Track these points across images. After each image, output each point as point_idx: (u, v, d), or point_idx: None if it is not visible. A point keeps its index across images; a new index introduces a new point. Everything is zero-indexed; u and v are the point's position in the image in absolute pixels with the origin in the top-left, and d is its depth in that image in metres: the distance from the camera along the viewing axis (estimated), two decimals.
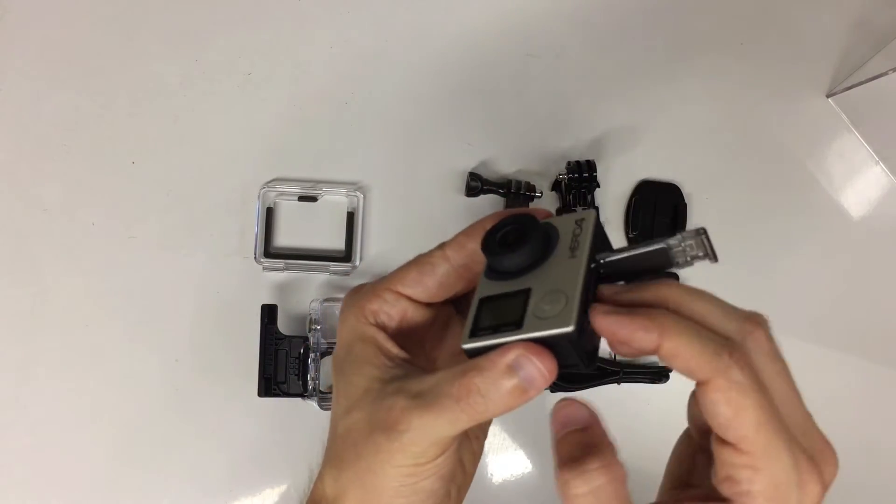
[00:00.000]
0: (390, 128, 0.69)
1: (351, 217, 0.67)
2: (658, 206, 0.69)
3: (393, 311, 0.33)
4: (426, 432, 0.28)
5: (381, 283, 0.33)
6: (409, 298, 0.33)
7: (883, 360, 0.69)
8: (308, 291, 0.67)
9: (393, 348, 0.32)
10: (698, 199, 0.70)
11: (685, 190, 0.69)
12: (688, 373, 0.26)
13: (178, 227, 0.67)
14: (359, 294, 0.34)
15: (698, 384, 0.26)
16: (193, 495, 0.64)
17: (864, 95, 0.69)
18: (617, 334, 0.27)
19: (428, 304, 0.34)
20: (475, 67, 0.71)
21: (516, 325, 0.28)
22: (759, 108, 0.71)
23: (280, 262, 0.66)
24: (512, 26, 0.71)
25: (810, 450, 0.27)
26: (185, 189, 0.67)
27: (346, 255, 0.67)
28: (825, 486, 0.27)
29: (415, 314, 0.34)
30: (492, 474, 0.66)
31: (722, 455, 0.26)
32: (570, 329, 0.27)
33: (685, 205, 0.69)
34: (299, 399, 0.63)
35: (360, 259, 0.67)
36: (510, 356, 0.27)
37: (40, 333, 0.65)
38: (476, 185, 0.66)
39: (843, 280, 0.70)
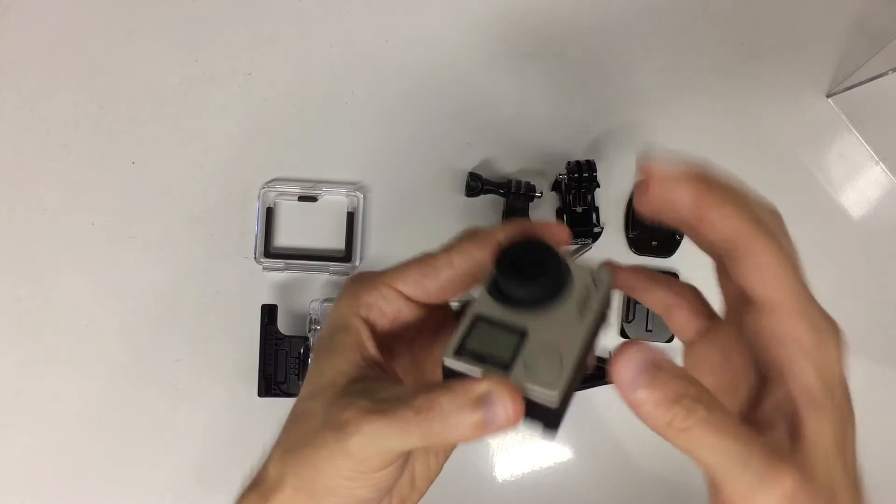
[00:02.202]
0: (390, 128, 0.69)
1: (351, 217, 0.67)
2: None
3: (388, 308, 0.33)
4: (373, 440, 0.28)
5: (381, 277, 0.33)
6: (407, 298, 0.33)
7: (883, 360, 0.69)
8: (308, 291, 0.67)
9: (371, 349, 0.32)
10: None
11: None
12: (726, 230, 0.27)
13: (178, 227, 0.67)
14: (359, 283, 0.33)
15: (734, 247, 0.27)
16: (193, 495, 0.64)
17: (864, 95, 0.69)
18: (661, 196, 0.27)
19: (424, 305, 0.33)
20: (475, 67, 0.71)
21: (503, 367, 0.27)
22: (759, 108, 0.71)
23: (280, 262, 0.66)
24: (512, 26, 0.71)
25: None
26: (185, 189, 0.67)
27: (346, 255, 0.67)
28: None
29: (409, 313, 0.33)
30: (493, 474, 0.66)
31: (765, 322, 0.27)
32: (554, 404, 0.27)
33: None
34: None
35: (360, 259, 0.67)
36: (484, 387, 0.26)
37: (40, 333, 0.65)
38: (476, 185, 0.66)
39: (842, 280, 0.70)
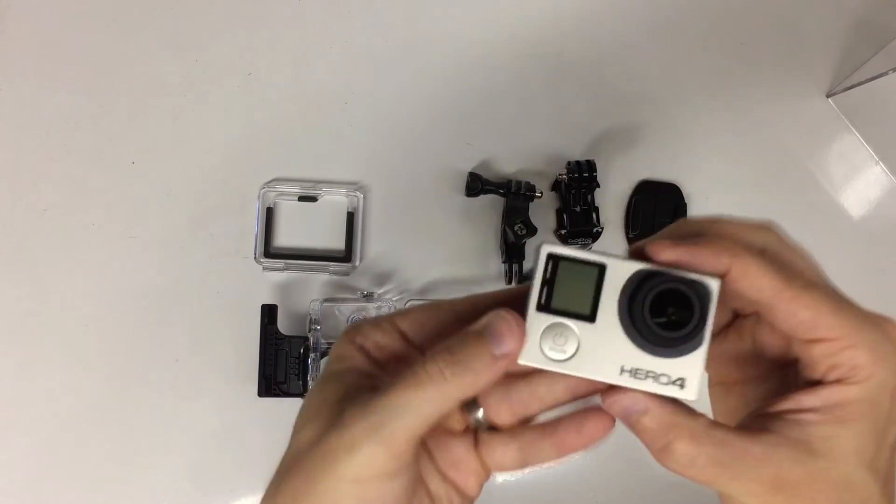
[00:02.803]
0: (390, 128, 0.69)
1: (351, 217, 0.67)
2: (658, 206, 0.69)
3: (384, 340, 0.31)
4: (382, 418, 0.26)
5: (388, 315, 0.32)
6: (405, 337, 0.31)
7: None
8: (308, 291, 0.67)
9: (367, 365, 0.30)
10: (698, 199, 0.70)
11: (685, 190, 0.69)
12: (756, 292, 0.27)
13: (178, 227, 0.67)
14: (360, 322, 0.32)
15: (766, 306, 0.27)
16: (193, 495, 0.64)
17: (864, 95, 0.69)
18: (689, 264, 0.27)
19: (418, 350, 0.31)
20: (475, 67, 0.71)
21: (545, 306, 0.28)
22: (759, 108, 0.71)
23: (280, 262, 0.66)
24: (512, 26, 0.71)
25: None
26: (185, 189, 0.67)
27: (346, 255, 0.67)
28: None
29: (401, 353, 0.31)
30: (493, 474, 0.66)
31: (816, 352, 0.27)
32: (523, 361, 0.28)
33: (685, 205, 0.69)
34: (299, 399, 0.63)
35: (360, 259, 0.67)
36: (486, 318, 0.28)
37: (40, 333, 0.65)
38: (476, 185, 0.66)
39: (842, 280, 0.69)
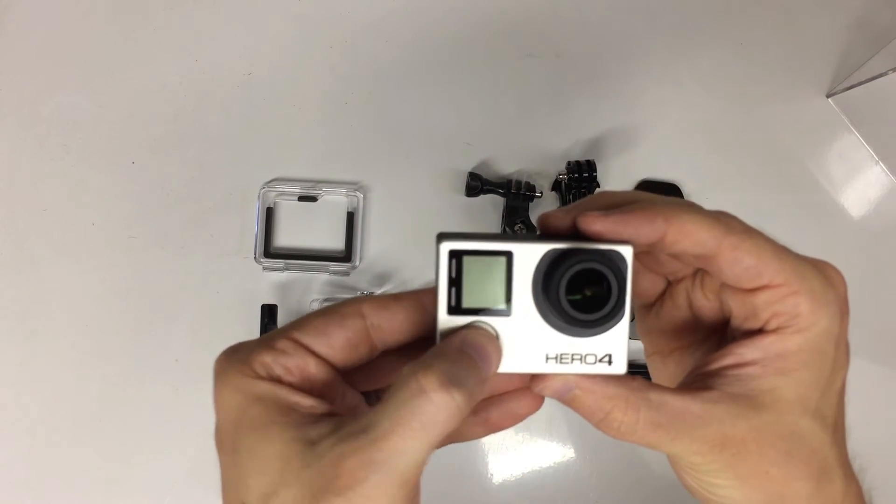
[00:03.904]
0: (390, 128, 0.69)
1: (351, 217, 0.67)
2: None
3: (291, 363, 0.26)
4: (394, 464, 0.23)
5: (273, 333, 0.28)
6: (310, 352, 0.27)
7: (883, 360, 0.69)
8: (308, 291, 0.67)
9: (304, 399, 0.26)
10: (698, 199, 0.70)
11: (685, 190, 0.69)
12: (698, 247, 0.26)
13: (178, 227, 0.67)
14: (240, 350, 0.27)
15: (709, 258, 0.27)
16: (194, 495, 0.64)
17: (864, 95, 0.69)
18: (621, 233, 0.26)
19: (333, 369, 0.28)
20: (475, 67, 0.71)
21: (455, 309, 0.26)
22: (759, 108, 0.71)
23: (280, 262, 0.66)
24: (512, 26, 0.71)
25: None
26: (185, 189, 0.67)
27: (346, 255, 0.67)
28: (843, 278, 0.29)
29: (318, 374, 0.27)
30: (492, 474, 0.66)
31: (759, 300, 0.27)
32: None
33: None
34: None
35: (360, 259, 0.67)
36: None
37: (40, 333, 0.65)
38: (476, 184, 0.66)
39: None
